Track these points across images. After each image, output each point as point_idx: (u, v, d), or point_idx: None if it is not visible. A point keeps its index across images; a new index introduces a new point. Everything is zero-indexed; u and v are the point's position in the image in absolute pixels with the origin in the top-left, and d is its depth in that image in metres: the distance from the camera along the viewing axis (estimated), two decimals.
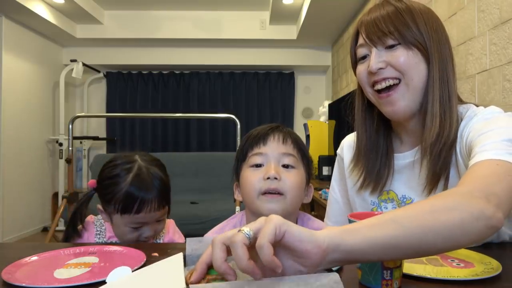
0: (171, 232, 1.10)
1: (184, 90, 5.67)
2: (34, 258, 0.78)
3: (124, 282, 0.59)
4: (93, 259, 0.78)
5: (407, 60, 0.84)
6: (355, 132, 1.01)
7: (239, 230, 0.48)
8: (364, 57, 0.90)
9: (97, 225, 1.07)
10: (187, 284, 0.52)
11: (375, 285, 0.59)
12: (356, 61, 0.94)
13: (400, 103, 0.86)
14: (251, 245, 0.48)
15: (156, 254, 0.80)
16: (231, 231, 0.50)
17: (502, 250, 0.85)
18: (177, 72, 5.68)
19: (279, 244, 0.48)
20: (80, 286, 0.63)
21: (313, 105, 5.70)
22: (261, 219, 0.49)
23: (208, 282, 0.50)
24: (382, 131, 0.97)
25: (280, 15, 4.63)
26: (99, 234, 1.05)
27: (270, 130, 0.93)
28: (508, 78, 1.66)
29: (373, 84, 0.88)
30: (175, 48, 5.34)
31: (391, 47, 0.85)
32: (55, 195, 4.94)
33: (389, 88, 0.86)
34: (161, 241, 1.07)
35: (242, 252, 0.46)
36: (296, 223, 0.96)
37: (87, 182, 5.27)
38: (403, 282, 0.61)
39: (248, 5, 4.78)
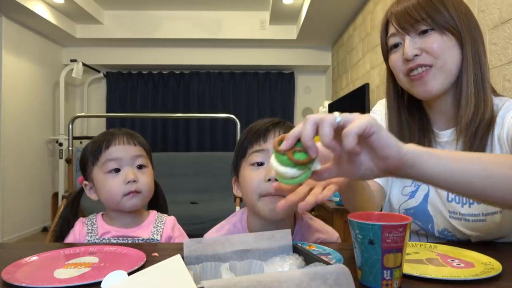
0: (170, 228, 1.08)
1: (184, 90, 5.67)
2: (34, 258, 0.78)
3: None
4: (93, 259, 0.78)
5: (441, 45, 0.86)
6: (388, 121, 1.01)
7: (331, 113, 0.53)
8: (396, 45, 0.92)
9: (88, 224, 1.05)
10: (277, 152, 0.56)
11: (375, 285, 0.59)
12: (387, 51, 0.95)
13: (432, 83, 0.87)
14: (336, 130, 0.53)
15: (156, 254, 0.80)
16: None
17: (502, 250, 0.85)
18: (177, 72, 5.68)
19: (363, 141, 0.54)
20: (80, 286, 0.63)
21: (313, 105, 5.69)
22: (356, 114, 0.54)
23: (294, 152, 0.55)
24: (417, 116, 0.98)
25: (280, 15, 4.63)
26: (90, 233, 1.03)
27: (271, 126, 0.92)
28: (508, 78, 1.66)
29: (407, 72, 0.89)
30: (175, 48, 5.34)
31: (424, 32, 0.87)
32: (55, 195, 4.94)
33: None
34: (159, 237, 1.05)
35: (328, 131, 0.52)
36: (295, 221, 0.96)
37: None
38: (403, 282, 0.61)
39: (248, 5, 4.78)
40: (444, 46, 0.86)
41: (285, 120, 0.99)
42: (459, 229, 0.90)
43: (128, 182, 1.01)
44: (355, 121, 0.52)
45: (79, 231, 1.04)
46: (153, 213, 1.12)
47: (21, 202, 4.43)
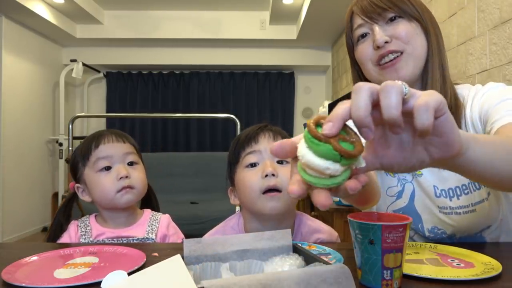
0: (165, 226, 1.08)
1: (184, 90, 5.67)
2: (34, 258, 0.78)
3: None
4: (93, 259, 0.78)
5: (410, 31, 0.87)
6: None
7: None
8: (363, 36, 0.92)
9: (82, 226, 1.04)
10: (314, 139, 0.42)
11: (375, 285, 0.59)
12: (352, 44, 0.96)
13: (404, 69, 0.87)
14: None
15: (156, 254, 0.80)
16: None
17: (502, 250, 0.85)
18: (177, 72, 5.68)
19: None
20: (80, 286, 0.63)
21: (313, 105, 5.69)
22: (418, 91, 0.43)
23: (339, 139, 0.41)
24: None
25: (280, 15, 4.63)
26: (84, 235, 1.02)
27: (259, 130, 0.93)
28: (508, 78, 1.66)
29: (378, 60, 0.89)
30: (175, 48, 5.34)
31: (392, 20, 0.88)
32: (55, 195, 4.94)
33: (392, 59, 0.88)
34: (154, 236, 1.04)
35: (397, 100, 0.40)
36: (294, 221, 0.96)
37: None
38: (403, 282, 0.61)
39: (248, 5, 4.78)
40: (413, 32, 0.87)
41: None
42: (449, 224, 0.90)
43: (121, 178, 1.01)
44: (432, 95, 0.41)
45: (74, 233, 1.03)
46: (147, 212, 1.11)
47: (21, 202, 4.42)
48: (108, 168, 1.02)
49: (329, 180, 0.42)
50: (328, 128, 0.41)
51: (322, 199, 0.43)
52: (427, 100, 0.40)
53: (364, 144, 0.44)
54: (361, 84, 0.42)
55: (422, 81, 0.91)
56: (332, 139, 0.41)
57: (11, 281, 0.64)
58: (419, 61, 0.88)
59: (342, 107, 0.42)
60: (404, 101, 0.42)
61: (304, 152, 0.42)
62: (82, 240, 1.01)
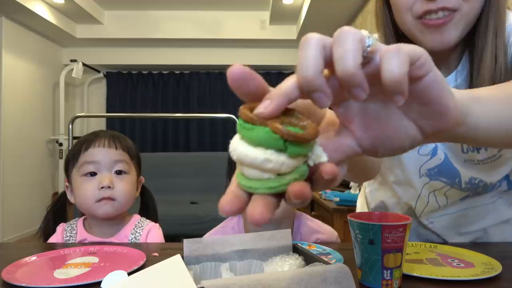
0: (145, 235, 1.01)
1: (184, 90, 5.68)
2: (34, 258, 0.78)
3: None
4: (93, 259, 0.78)
5: None
6: None
7: None
8: None
9: (68, 230, 1.01)
10: (246, 123, 0.31)
11: (375, 285, 0.59)
12: None
13: (452, 33, 0.71)
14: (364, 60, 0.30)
15: (156, 254, 0.80)
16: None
17: (502, 250, 0.85)
18: (177, 72, 5.68)
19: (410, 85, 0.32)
20: (80, 286, 0.63)
21: None
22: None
23: (282, 123, 0.30)
24: None
25: (280, 15, 4.64)
26: (69, 240, 0.99)
27: None
28: None
29: (423, 14, 0.71)
30: (175, 48, 5.34)
31: None
32: (55, 195, 4.94)
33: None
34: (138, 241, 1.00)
35: (355, 47, 0.29)
36: (294, 222, 0.96)
37: None
38: (403, 282, 0.61)
39: (248, 5, 4.78)
40: None
41: None
42: (484, 173, 0.84)
43: (102, 187, 0.95)
44: (406, 46, 0.31)
45: (61, 236, 1.00)
46: (135, 219, 1.04)
47: (21, 202, 4.43)
48: (93, 174, 0.97)
49: (275, 180, 0.30)
50: (263, 106, 0.30)
51: (257, 211, 0.30)
52: (399, 45, 0.30)
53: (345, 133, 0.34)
54: (309, 35, 0.31)
55: (466, 43, 0.76)
56: (270, 120, 0.30)
57: (11, 281, 0.64)
58: (469, 24, 0.72)
59: (287, 82, 0.31)
60: (368, 58, 0.31)
61: (236, 145, 0.31)
62: None
